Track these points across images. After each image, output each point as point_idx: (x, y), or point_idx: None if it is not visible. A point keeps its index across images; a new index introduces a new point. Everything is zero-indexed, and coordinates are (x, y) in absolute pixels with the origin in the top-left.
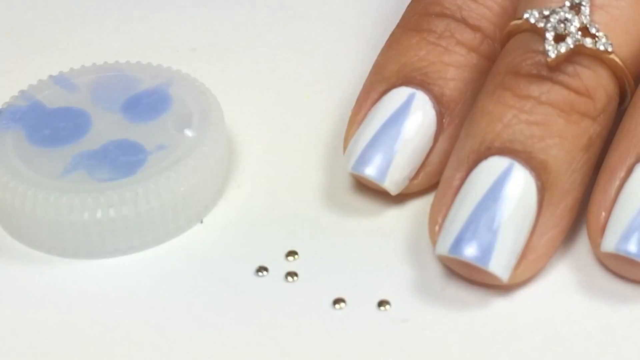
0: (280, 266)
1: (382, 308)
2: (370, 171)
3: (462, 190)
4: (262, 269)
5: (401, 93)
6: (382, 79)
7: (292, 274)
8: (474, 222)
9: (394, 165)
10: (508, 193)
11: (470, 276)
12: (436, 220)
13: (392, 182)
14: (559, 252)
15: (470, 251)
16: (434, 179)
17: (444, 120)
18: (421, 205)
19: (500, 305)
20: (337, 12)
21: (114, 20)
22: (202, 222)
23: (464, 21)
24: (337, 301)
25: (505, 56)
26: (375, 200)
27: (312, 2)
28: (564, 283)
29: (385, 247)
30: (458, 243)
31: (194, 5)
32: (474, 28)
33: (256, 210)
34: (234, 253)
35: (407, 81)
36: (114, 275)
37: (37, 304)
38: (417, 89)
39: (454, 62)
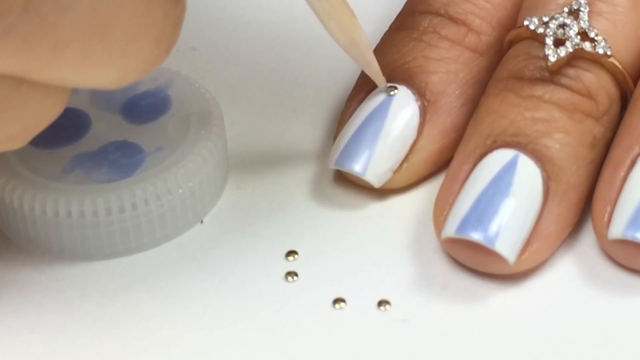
0: (280, 266)
1: (382, 308)
2: (351, 165)
3: (469, 181)
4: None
5: (383, 90)
6: (367, 79)
7: (292, 274)
8: (481, 205)
9: (375, 158)
10: (514, 181)
11: (475, 265)
12: (442, 210)
13: (373, 175)
14: (562, 247)
15: (477, 231)
16: (417, 173)
17: (427, 113)
18: (423, 207)
19: (501, 304)
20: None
21: None
22: (202, 222)
23: (447, 16)
24: (337, 301)
25: (507, 63)
26: (377, 200)
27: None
28: (567, 281)
29: (385, 247)
30: (465, 224)
31: (194, 5)
32: (458, 22)
33: (256, 210)
34: (234, 253)
35: (391, 78)
36: (114, 275)
37: (37, 304)
38: (400, 84)
39: (436, 56)
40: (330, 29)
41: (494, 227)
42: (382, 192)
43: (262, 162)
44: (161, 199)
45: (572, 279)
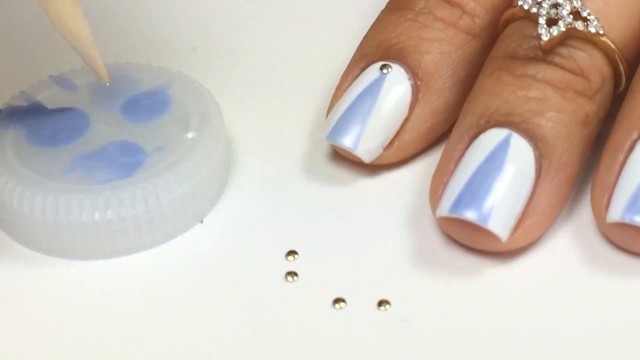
0: (280, 266)
1: (382, 308)
2: (342, 139)
3: (463, 160)
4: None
5: (378, 67)
6: (362, 56)
7: (292, 273)
8: (474, 184)
9: (366, 133)
10: (506, 159)
11: (469, 242)
12: (437, 189)
13: (364, 150)
14: (564, 236)
15: (470, 209)
16: (408, 150)
17: (419, 92)
18: (423, 206)
19: (501, 304)
20: (337, 12)
21: (114, 21)
22: (202, 222)
23: None
24: (337, 301)
25: (502, 42)
26: (376, 200)
27: (312, 2)
28: (571, 276)
29: (385, 246)
30: (458, 203)
31: (194, 5)
32: (453, 4)
33: (256, 210)
34: (234, 253)
35: (385, 56)
36: (114, 275)
37: (37, 304)
38: (393, 62)
39: (430, 36)
40: (51, 18)
41: (486, 205)
42: (383, 191)
43: (262, 161)
44: (161, 199)
45: (576, 274)
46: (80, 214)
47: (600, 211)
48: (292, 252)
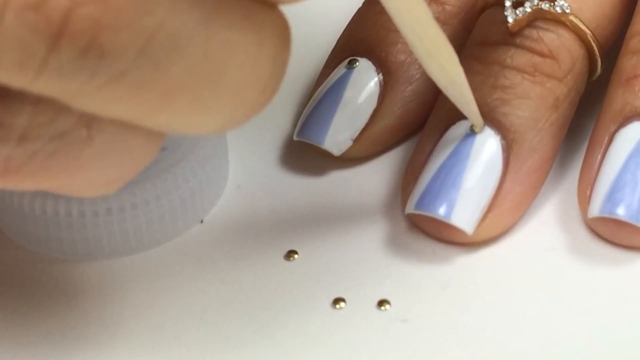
0: (280, 266)
1: (382, 308)
2: (310, 135)
3: (432, 155)
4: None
5: (346, 63)
6: (334, 56)
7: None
8: (439, 179)
9: (333, 127)
10: (472, 152)
11: (439, 234)
12: (408, 184)
13: (332, 144)
14: (562, 230)
15: (433, 206)
16: (379, 141)
17: (387, 83)
18: None
19: (501, 304)
20: (337, 12)
21: None
22: (202, 222)
23: None
24: (337, 301)
25: (475, 31)
26: (376, 200)
27: (312, 2)
28: (574, 283)
29: (385, 246)
30: (422, 199)
31: None
32: None
33: (256, 210)
34: (234, 253)
35: (354, 51)
36: (114, 275)
37: (37, 304)
38: (362, 56)
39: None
40: (430, 68)
41: (449, 201)
42: (384, 192)
43: (262, 161)
44: (161, 199)
45: (577, 274)
46: (81, 214)
47: (584, 207)
48: (292, 252)
